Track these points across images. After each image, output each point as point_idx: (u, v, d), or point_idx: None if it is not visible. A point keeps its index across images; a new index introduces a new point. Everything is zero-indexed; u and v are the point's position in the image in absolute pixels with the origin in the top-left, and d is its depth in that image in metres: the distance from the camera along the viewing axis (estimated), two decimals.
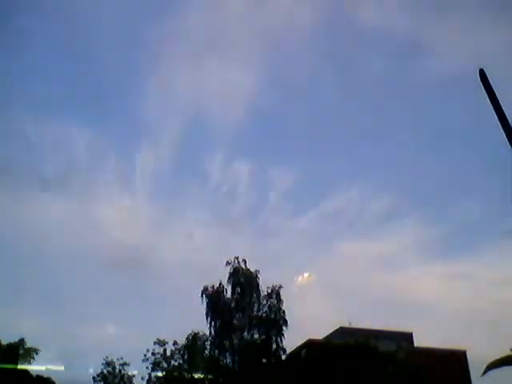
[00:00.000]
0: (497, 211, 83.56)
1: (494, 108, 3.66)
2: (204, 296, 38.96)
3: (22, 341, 44.27)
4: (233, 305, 39.01)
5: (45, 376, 43.22)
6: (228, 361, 38.57)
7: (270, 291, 39.36)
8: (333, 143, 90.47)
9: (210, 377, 40.46)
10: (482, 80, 3.73)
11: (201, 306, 38.53)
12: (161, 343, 42.81)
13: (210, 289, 39.20)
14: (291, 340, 40.09)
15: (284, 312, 38.84)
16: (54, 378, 43.51)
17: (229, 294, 39.33)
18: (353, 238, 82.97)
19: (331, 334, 46.78)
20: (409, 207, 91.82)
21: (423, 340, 47.75)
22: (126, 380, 44.40)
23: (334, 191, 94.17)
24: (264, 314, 38.99)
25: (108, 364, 44.31)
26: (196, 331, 41.37)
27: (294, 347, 42.08)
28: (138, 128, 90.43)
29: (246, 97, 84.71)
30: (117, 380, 44.11)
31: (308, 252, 74.68)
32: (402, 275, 73.04)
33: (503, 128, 3.60)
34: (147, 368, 42.32)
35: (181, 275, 72.66)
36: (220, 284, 39.36)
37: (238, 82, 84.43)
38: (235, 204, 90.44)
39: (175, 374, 42.04)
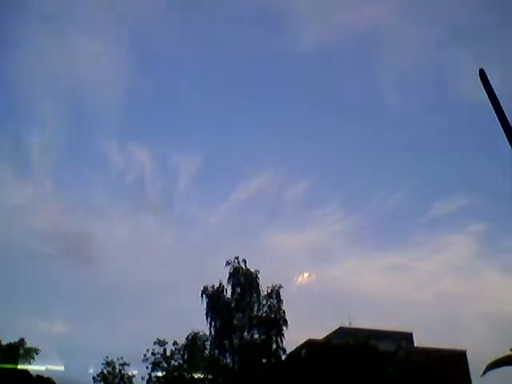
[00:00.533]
0: (418, 200, 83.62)
1: (494, 108, 3.66)
2: (204, 296, 39.01)
3: (22, 341, 44.31)
4: (233, 305, 39.03)
5: (45, 376, 43.22)
6: (228, 361, 38.60)
7: (269, 291, 39.42)
8: (232, 126, 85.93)
9: (210, 377, 40.48)
10: (481, 80, 3.73)
11: (201, 306, 38.67)
12: (161, 343, 42.81)
13: (209, 289, 39.23)
14: (291, 340, 40.18)
15: (284, 312, 38.91)
16: (54, 378, 43.54)
17: (229, 294, 39.41)
18: (276, 228, 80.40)
19: (331, 334, 46.79)
20: (328, 194, 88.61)
21: None
22: (126, 380, 44.36)
23: (246, 177, 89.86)
24: (264, 314, 39.01)
25: (108, 364, 44.30)
26: (196, 331, 41.46)
27: (294, 347, 42.11)
28: (23, 113, 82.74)
29: (125, 79, 79.61)
30: (117, 380, 44.08)
31: (233, 244, 72.45)
32: (337, 267, 71.80)
33: (503, 128, 3.60)
34: (147, 368, 42.37)
35: (132, 267, 71.85)
36: (220, 284, 39.45)
37: (113, 62, 78.64)
38: (147, 192, 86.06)
39: (175, 374, 42.04)
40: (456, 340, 47.79)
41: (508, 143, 3.57)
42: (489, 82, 3.71)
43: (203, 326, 39.46)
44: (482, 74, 3.73)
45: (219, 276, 39.57)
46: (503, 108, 3.66)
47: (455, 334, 54.61)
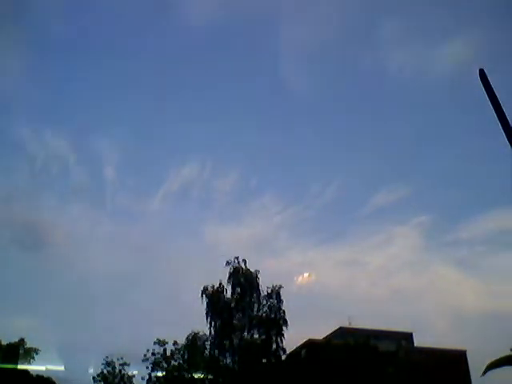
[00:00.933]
0: (356, 192, 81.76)
1: (494, 108, 3.65)
2: (204, 296, 38.99)
3: (21, 341, 44.27)
4: (233, 305, 39.01)
5: (45, 376, 43.19)
6: (228, 361, 38.56)
7: (269, 291, 39.40)
8: (152, 114, 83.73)
9: (209, 377, 40.46)
10: (481, 80, 3.72)
11: (201, 306, 38.64)
12: (161, 343, 42.79)
13: (210, 289, 39.21)
14: (291, 340, 40.16)
15: (284, 312, 38.88)
16: (53, 378, 43.50)
17: (229, 294, 39.39)
18: (214, 220, 79.33)
19: (331, 334, 46.79)
20: (260, 187, 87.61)
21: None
22: (126, 380, 44.33)
23: (173, 168, 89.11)
24: (264, 314, 38.98)
25: (108, 364, 44.27)
26: (196, 331, 41.43)
27: (294, 347, 42.09)
28: None
29: (29, 65, 74.17)
30: (117, 380, 44.04)
31: (176, 239, 72.01)
32: (286, 261, 69.31)
33: (503, 128, 3.59)
34: (147, 368, 42.35)
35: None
36: (220, 284, 39.43)
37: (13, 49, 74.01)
38: (73, 181, 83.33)
39: (175, 373, 42.02)
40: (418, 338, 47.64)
41: (508, 143, 3.56)
42: (489, 82, 3.71)
43: (203, 326, 39.51)
44: (482, 74, 3.72)
45: (219, 276, 39.63)
46: (503, 108, 3.65)
47: (417, 330, 53.92)
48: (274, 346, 38.03)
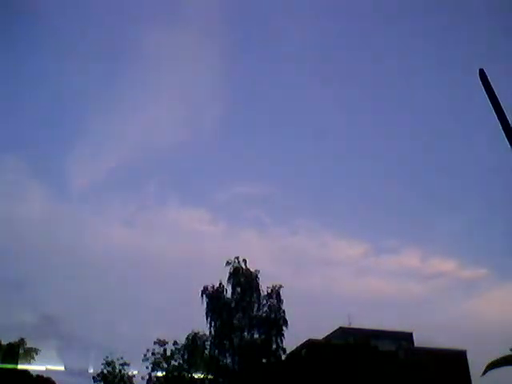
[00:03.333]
0: None
1: (494, 108, 3.65)
2: (204, 296, 39.02)
3: (21, 341, 44.26)
4: (233, 305, 39.04)
5: (45, 376, 43.18)
6: (228, 361, 38.60)
7: (270, 291, 39.44)
8: None
9: (209, 377, 40.47)
10: (481, 80, 3.72)
11: (201, 306, 38.66)
12: (161, 343, 42.78)
13: (210, 289, 39.24)
14: (291, 340, 40.17)
15: (284, 312, 38.94)
16: (53, 378, 43.50)
17: (229, 294, 39.42)
18: None
19: (331, 334, 46.74)
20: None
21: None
22: (126, 380, 44.32)
23: None
24: (264, 314, 39.02)
25: (108, 364, 44.25)
26: (196, 331, 41.43)
27: (294, 347, 42.08)
28: None
29: None
30: (117, 380, 44.01)
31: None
32: None
33: (503, 128, 3.59)
34: (147, 368, 42.34)
35: None
36: (220, 284, 39.47)
37: None
38: None
39: (175, 373, 42.03)
40: None
41: (508, 143, 3.56)
42: (489, 82, 3.71)
43: (203, 326, 39.52)
44: (482, 73, 3.72)
45: (219, 276, 39.66)
46: (503, 108, 3.65)
47: None
48: (274, 346, 38.07)
